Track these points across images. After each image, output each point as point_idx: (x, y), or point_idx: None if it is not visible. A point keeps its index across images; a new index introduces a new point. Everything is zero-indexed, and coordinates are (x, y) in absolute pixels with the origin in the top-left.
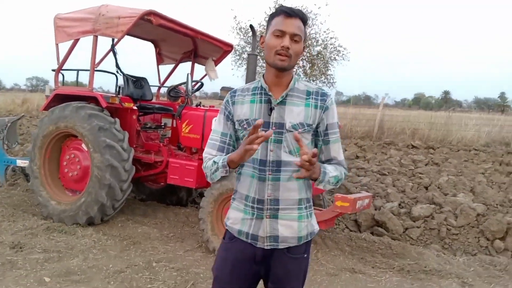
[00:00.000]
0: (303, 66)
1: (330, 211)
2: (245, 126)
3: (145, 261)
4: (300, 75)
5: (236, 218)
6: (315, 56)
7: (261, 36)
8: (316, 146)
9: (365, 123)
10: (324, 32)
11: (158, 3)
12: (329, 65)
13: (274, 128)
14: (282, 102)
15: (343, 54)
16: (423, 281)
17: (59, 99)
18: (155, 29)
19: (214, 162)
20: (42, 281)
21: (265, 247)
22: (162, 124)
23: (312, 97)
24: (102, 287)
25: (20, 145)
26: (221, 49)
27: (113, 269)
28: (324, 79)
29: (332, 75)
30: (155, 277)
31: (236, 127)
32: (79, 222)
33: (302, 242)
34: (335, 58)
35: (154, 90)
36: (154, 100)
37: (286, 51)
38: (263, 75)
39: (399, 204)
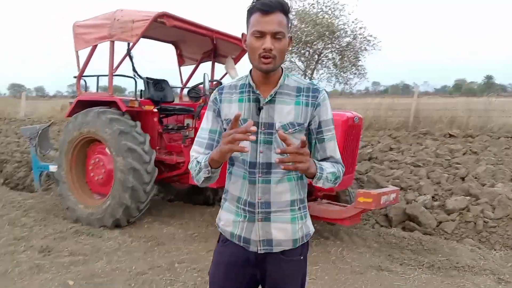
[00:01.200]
0: (333, 58)
1: (352, 208)
2: None
3: (167, 262)
4: (330, 68)
5: (228, 220)
6: (344, 47)
7: (243, 34)
8: (310, 145)
9: (401, 113)
10: (353, 22)
11: (177, 5)
12: (360, 56)
13: (263, 128)
14: (271, 101)
15: (373, 44)
16: (454, 278)
17: (82, 105)
18: (173, 31)
19: (198, 162)
20: (66, 285)
21: (259, 251)
22: (185, 125)
23: (303, 94)
24: None
25: (56, 151)
26: (240, 47)
27: (136, 271)
28: (355, 70)
29: (362, 65)
30: (176, 278)
31: (224, 126)
32: (106, 224)
33: (298, 245)
34: (365, 48)
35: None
36: (177, 102)
37: (269, 53)
38: (250, 71)
39: (433, 197)
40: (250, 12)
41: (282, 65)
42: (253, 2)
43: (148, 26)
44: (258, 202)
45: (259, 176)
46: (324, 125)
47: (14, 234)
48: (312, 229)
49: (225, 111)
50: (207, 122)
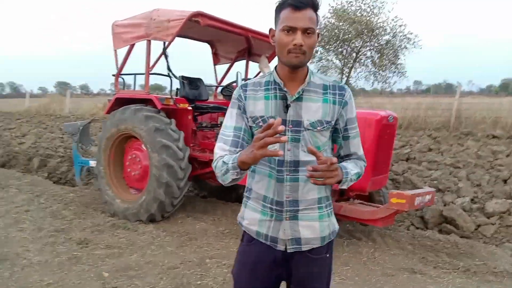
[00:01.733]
0: (372, 56)
1: (385, 208)
2: (260, 124)
3: (199, 257)
4: (368, 66)
5: (254, 219)
6: (384, 45)
7: (270, 29)
8: (334, 142)
9: (441, 113)
10: (392, 20)
11: (216, 4)
12: (399, 54)
13: (290, 126)
14: (299, 99)
15: (414, 42)
16: (491, 283)
17: (120, 102)
18: (209, 30)
19: (224, 162)
20: (101, 276)
21: (288, 251)
22: (219, 122)
23: (329, 92)
24: (154, 283)
25: (96, 146)
26: (274, 46)
27: (168, 265)
28: (394, 68)
29: (402, 64)
30: (206, 273)
31: (250, 124)
32: (142, 219)
33: (325, 243)
34: (405, 46)
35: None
36: (211, 100)
37: (299, 48)
38: (275, 68)
39: (472, 199)
40: (280, 7)
41: (319, 63)
42: None
43: (183, 25)
44: (286, 200)
45: (287, 175)
46: (350, 123)
47: (55, 226)
48: (337, 226)
49: (250, 108)
50: (231, 119)
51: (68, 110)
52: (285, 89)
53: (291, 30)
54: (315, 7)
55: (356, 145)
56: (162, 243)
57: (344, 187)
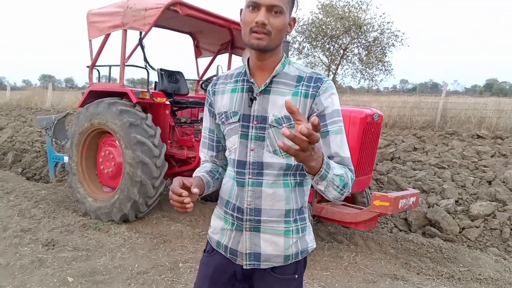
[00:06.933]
0: (359, 53)
1: (367, 211)
2: (223, 120)
3: (171, 261)
4: (355, 63)
5: (216, 227)
6: (371, 43)
7: (241, 10)
8: None
9: (427, 112)
10: (380, 16)
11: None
12: (387, 51)
13: (255, 122)
14: (266, 91)
15: (401, 39)
16: None
17: (94, 95)
18: (190, 21)
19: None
20: (65, 281)
21: (244, 267)
22: (199, 118)
23: (303, 84)
24: None
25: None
26: None
27: (138, 270)
28: (381, 66)
29: (389, 61)
30: (178, 279)
31: (217, 121)
32: (114, 219)
33: (290, 262)
34: (393, 44)
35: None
36: (193, 94)
37: (262, 27)
38: (248, 58)
39: (456, 201)
40: None
41: (305, 60)
42: None
43: (161, 15)
44: (247, 208)
45: (249, 178)
46: (329, 117)
47: (21, 225)
48: (311, 245)
49: (218, 104)
50: (205, 119)
51: (49, 103)
52: (251, 80)
53: (255, 6)
54: None
55: (338, 144)
56: (133, 246)
57: (322, 187)
